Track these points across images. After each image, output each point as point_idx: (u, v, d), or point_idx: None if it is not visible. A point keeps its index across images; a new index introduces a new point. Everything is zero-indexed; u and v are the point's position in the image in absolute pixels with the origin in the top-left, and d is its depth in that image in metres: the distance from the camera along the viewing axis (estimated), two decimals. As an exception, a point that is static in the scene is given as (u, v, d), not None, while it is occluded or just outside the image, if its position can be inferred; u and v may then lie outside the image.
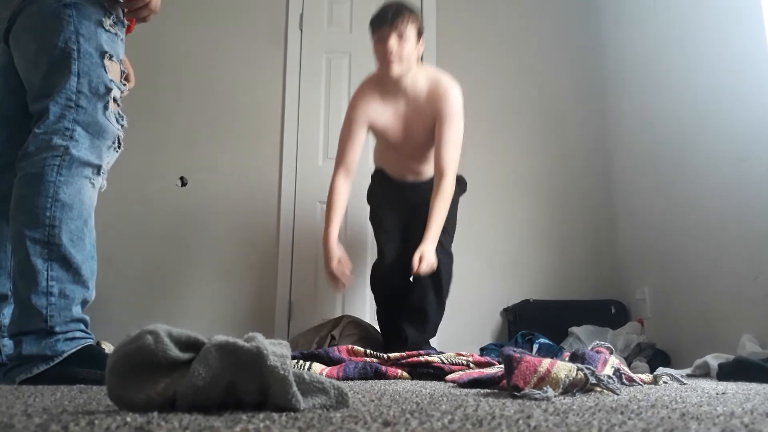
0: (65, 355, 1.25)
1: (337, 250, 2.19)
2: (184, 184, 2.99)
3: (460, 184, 2.44)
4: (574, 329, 2.62)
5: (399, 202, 2.42)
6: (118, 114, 1.41)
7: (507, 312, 2.91)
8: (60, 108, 1.30)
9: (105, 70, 1.36)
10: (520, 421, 0.59)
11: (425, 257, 2.10)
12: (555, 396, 0.92)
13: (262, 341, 0.65)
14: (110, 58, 1.38)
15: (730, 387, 1.29)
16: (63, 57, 1.32)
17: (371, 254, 2.69)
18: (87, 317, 1.34)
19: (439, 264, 2.18)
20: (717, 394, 1.06)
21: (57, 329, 1.26)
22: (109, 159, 1.39)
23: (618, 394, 0.98)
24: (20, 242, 1.26)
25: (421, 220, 2.24)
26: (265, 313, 2.96)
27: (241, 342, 0.64)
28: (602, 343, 1.25)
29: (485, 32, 3.28)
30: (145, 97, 2.85)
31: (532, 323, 2.70)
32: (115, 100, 1.38)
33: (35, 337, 1.24)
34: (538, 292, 2.93)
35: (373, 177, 2.57)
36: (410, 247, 2.24)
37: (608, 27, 3.16)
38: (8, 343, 1.33)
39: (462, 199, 3.10)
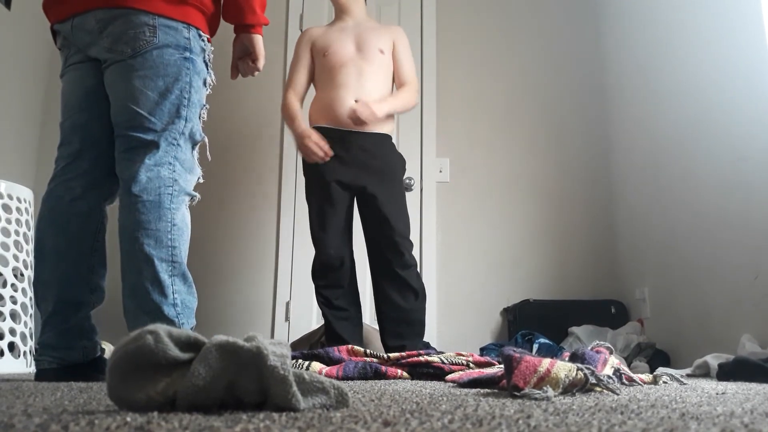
0: None
1: (311, 130, 2.28)
2: None
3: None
4: (574, 329, 2.62)
5: (344, 165, 2.27)
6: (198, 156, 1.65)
7: (507, 312, 2.91)
8: (167, 144, 1.52)
9: (200, 119, 1.62)
10: (520, 421, 0.59)
11: (361, 108, 2.21)
12: (555, 396, 0.92)
13: (262, 341, 0.65)
14: (204, 111, 1.64)
15: (730, 387, 1.29)
16: (179, 103, 1.55)
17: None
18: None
19: (403, 260, 2.24)
20: (717, 394, 1.06)
21: None
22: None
23: (618, 394, 0.98)
24: (148, 262, 1.43)
25: (377, 184, 2.25)
26: (265, 313, 2.96)
27: (241, 342, 0.64)
28: (602, 343, 1.25)
29: (485, 33, 3.28)
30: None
31: (532, 323, 2.70)
32: (197, 144, 1.64)
33: None
34: (538, 292, 2.93)
35: None
36: (376, 232, 2.25)
37: (608, 27, 3.16)
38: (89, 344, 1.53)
39: (462, 198, 3.11)
